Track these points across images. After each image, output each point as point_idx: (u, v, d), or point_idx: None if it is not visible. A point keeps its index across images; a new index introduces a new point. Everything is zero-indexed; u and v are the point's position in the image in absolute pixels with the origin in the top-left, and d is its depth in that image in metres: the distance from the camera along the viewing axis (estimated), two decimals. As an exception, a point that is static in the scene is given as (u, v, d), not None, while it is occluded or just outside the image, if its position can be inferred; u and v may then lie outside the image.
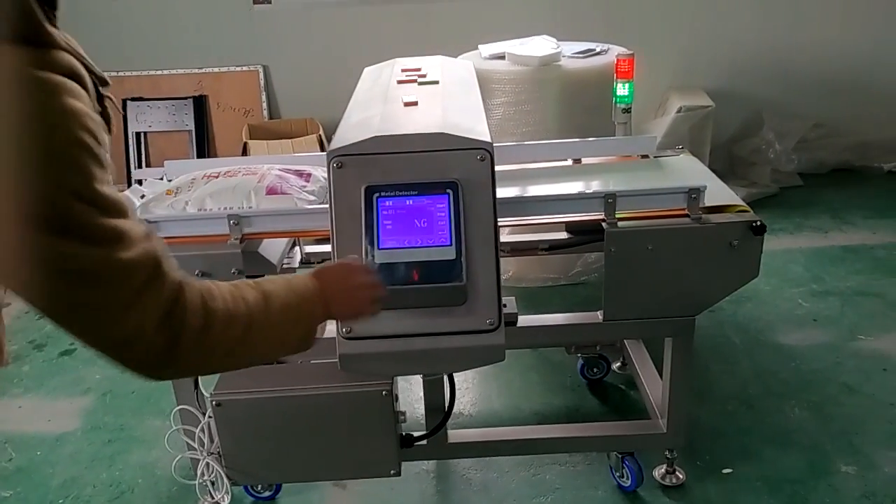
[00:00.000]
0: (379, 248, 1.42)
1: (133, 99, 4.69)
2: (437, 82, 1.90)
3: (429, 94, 1.79)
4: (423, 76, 1.96)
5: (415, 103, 1.70)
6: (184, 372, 1.00)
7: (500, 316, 1.47)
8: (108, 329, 0.87)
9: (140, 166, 4.69)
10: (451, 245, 1.41)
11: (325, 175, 1.94)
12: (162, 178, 2.14)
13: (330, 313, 1.14)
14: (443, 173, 1.46)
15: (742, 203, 1.83)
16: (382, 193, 1.45)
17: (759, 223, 1.72)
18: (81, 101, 0.83)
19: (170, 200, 1.86)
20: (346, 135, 1.55)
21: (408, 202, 1.44)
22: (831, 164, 4.36)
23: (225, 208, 1.78)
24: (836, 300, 2.99)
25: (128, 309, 0.86)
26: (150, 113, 4.72)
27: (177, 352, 0.91)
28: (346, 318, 1.30)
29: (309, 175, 1.93)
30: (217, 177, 1.90)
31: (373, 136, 1.48)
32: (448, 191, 1.44)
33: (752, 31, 4.30)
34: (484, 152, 1.46)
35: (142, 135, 4.72)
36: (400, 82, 1.93)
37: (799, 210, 3.88)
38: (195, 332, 0.93)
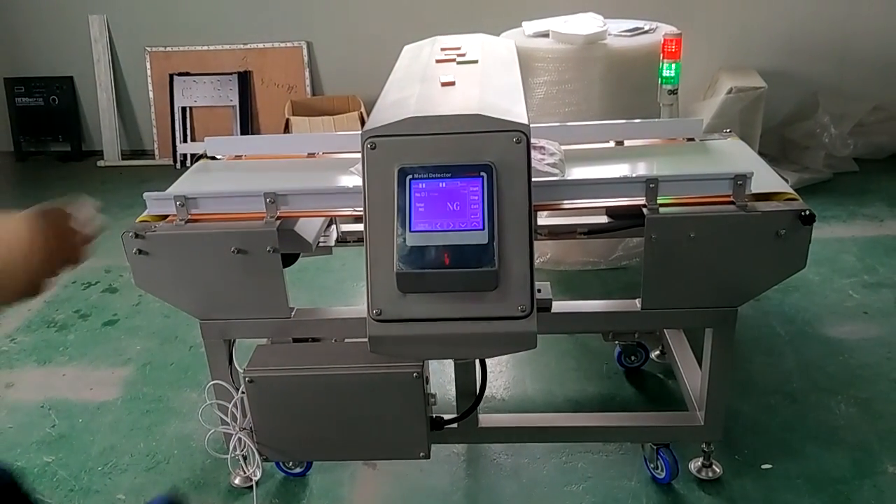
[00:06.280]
0: (410, 231, 1.40)
1: (179, 74, 4.74)
2: (476, 62, 1.86)
3: (467, 74, 1.75)
4: (463, 55, 1.92)
5: (452, 83, 1.67)
6: None
7: (533, 302, 1.43)
8: None
9: (185, 140, 4.75)
10: (483, 229, 1.38)
11: (556, 148, 1.97)
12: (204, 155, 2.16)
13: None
14: (478, 155, 1.42)
15: (791, 191, 1.75)
16: (415, 175, 1.42)
17: (808, 212, 1.65)
18: None
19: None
20: (382, 115, 1.52)
21: (441, 185, 1.41)
22: (890, 150, 4.19)
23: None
24: (889, 293, 2.87)
25: None
26: (195, 88, 4.76)
27: None
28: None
29: (543, 147, 1.91)
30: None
31: (407, 116, 1.45)
32: (482, 174, 1.41)
33: (809, 7, 4.13)
34: (520, 135, 1.42)
35: (187, 109, 4.77)
36: (439, 61, 1.89)
37: (853, 197, 3.73)
38: None
